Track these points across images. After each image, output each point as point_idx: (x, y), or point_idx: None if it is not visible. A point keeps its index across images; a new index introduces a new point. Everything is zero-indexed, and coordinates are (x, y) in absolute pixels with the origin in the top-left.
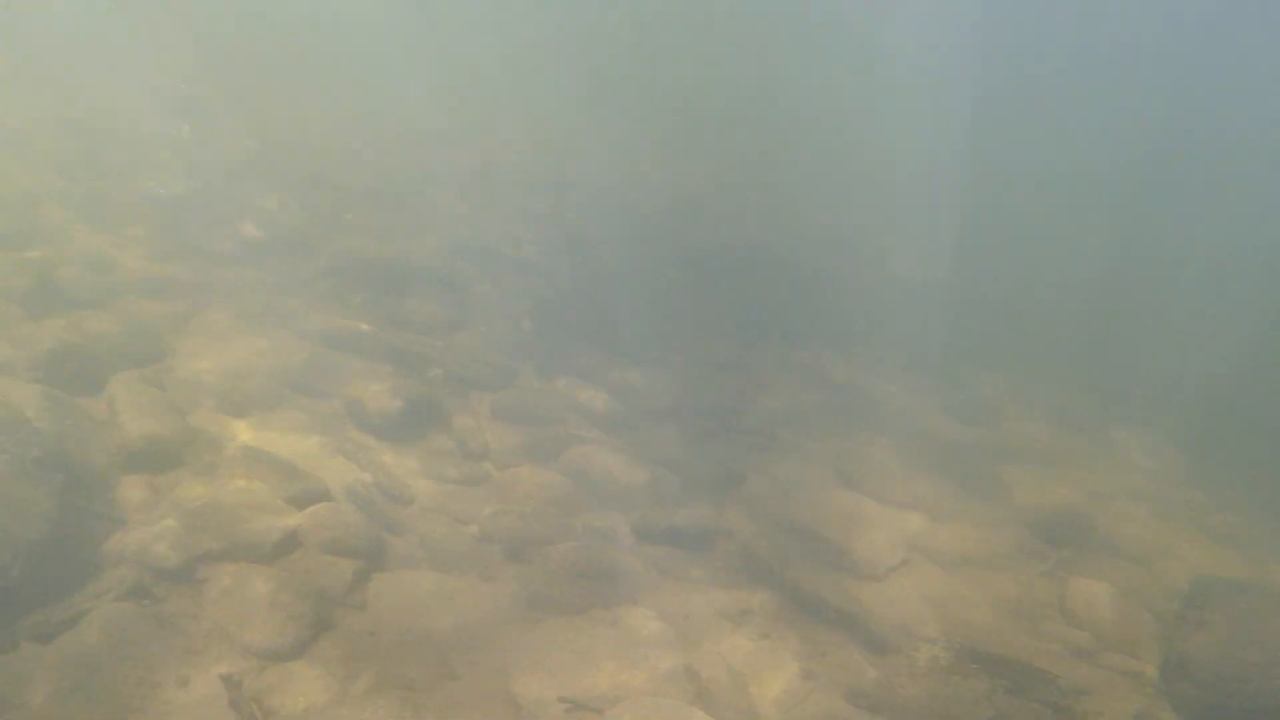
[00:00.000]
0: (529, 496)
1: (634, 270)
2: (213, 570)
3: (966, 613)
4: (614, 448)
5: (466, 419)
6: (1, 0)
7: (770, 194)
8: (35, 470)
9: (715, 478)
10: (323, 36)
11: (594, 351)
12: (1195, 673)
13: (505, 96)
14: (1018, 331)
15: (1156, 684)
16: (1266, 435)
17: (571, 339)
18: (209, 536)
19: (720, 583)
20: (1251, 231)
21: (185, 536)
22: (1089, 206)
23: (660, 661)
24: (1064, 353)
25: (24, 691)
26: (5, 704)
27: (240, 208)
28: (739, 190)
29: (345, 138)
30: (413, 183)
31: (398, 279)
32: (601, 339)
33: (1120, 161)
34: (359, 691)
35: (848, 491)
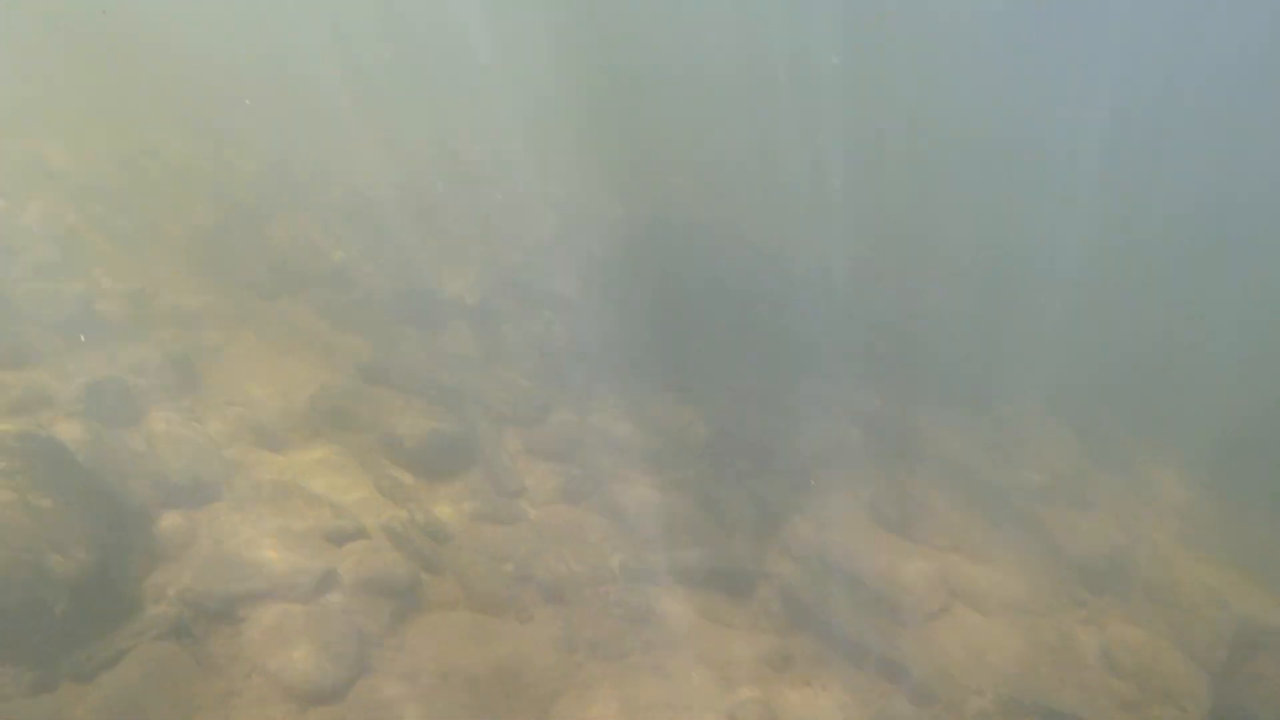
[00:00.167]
0: (566, 535)
1: (649, 298)
2: (252, 610)
3: (1009, 661)
4: (651, 485)
5: (501, 455)
6: None
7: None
8: (78, 506)
9: (753, 519)
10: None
11: (625, 382)
12: None
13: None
14: (1059, 366)
15: None
16: None
17: (600, 370)
18: (247, 574)
19: (761, 626)
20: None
21: (224, 573)
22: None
23: (704, 713)
24: (1109, 392)
25: None
26: None
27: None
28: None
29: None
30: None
31: (425, 311)
32: (631, 369)
33: (1174, 215)
34: None
35: (886, 533)
